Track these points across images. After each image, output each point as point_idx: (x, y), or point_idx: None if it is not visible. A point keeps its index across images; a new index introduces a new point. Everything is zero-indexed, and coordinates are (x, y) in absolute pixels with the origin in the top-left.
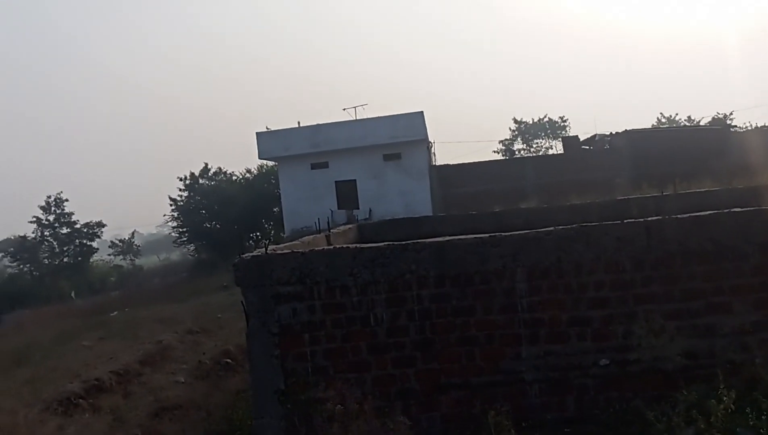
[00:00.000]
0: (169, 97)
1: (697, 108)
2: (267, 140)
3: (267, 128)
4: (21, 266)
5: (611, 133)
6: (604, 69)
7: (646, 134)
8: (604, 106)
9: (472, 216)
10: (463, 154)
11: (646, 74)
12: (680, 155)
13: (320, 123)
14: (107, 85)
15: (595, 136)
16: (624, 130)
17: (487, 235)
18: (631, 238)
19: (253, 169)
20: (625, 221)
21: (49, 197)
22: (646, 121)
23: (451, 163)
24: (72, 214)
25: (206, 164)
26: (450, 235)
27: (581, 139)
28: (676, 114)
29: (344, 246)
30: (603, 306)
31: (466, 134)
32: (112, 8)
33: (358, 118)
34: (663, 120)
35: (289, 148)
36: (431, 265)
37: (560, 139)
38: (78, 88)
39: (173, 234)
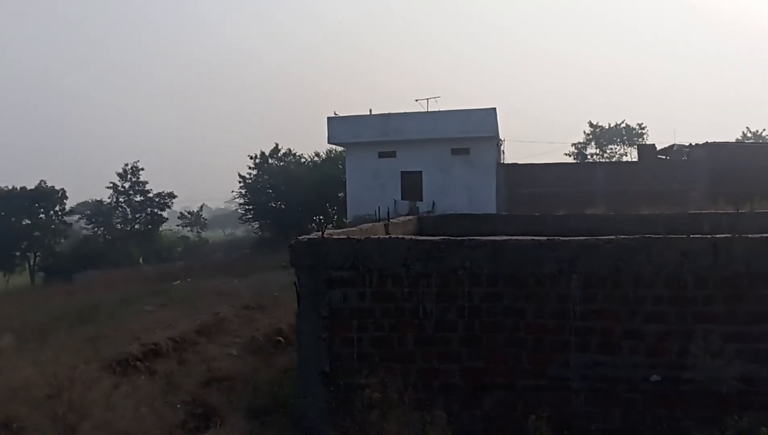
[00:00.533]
0: (244, 79)
1: None
2: (337, 125)
3: (335, 113)
4: (95, 229)
5: (691, 144)
6: (690, 78)
7: (728, 148)
8: (686, 116)
9: (535, 217)
10: (533, 154)
11: (734, 88)
12: (762, 173)
13: (391, 112)
14: (189, 66)
15: (673, 145)
16: (705, 142)
17: (545, 238)
18: (696, 254)
19: (321, 153)
20: (691, 236)
21: (127, 165)
22: (731, 135)
23: (520, 162)
24: (146, 183)
25: (277, 145)
26: (510, 235)
27: (658, 149)
28: (764, 129)
29: (400, 236)
30: (660, 321)
31: (538, 134)
32: None
33: (429, 110)
34: (749, 135)
35: (358, 135)
36: (486, 263)
37: (636, 146)
38: (164, 67)
39: (240, 210)
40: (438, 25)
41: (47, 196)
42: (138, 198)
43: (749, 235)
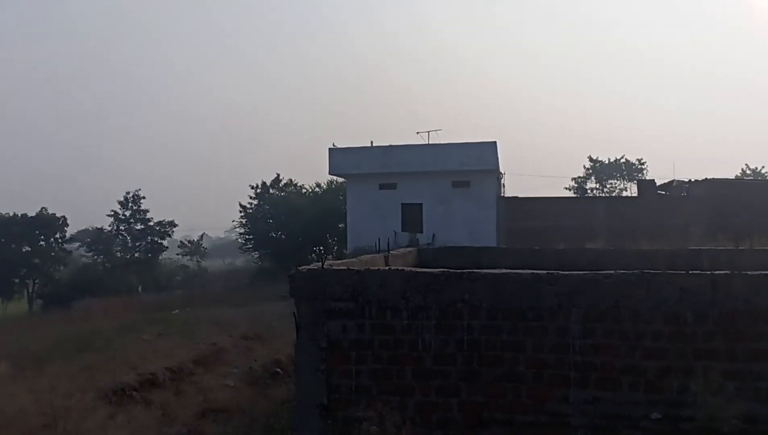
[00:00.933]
0: (246, 109)
1: None
2: (338, 156)
3: (333, 145)
4: (95, 257)
5: (690, 180)
6: (690, 115)
7: (728, 184)
8: (685, 153)
9: (535, 251)
10: (533, 187)
11: (734, 124)
12: (762, 209)
13: (393, 144)
14: (190, 92)
15: (672, 181)
16: (704, 178)
17: (544, 271)
18: (696, 291)
19: (322, 184)
20: (691, 272)
21: (128, 193)
22: (730, 172)
23: (520, 195)
24: (147, 211)
25: (278, 175)
26: (510, 269)
27: (657, 184)
28: (762, 166)
29: (399, 268)
30: (659, 357)
31: (539, 168)
32: (200, 16)
33: (430, 142)
34: (748, 172)
35: (359, 166)
36: (485, 296)
37: (635, 181)
38: (164, 92)
39: (240, 240)
40: (441, 59)
41: (48, 224)
42: (138, 226)
43: (748, 272)
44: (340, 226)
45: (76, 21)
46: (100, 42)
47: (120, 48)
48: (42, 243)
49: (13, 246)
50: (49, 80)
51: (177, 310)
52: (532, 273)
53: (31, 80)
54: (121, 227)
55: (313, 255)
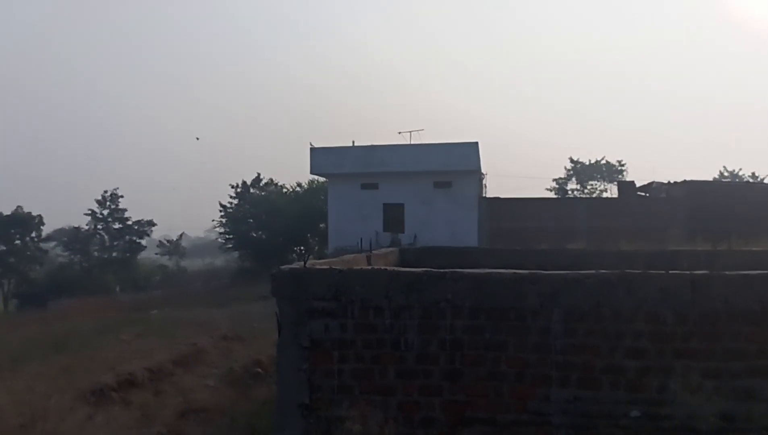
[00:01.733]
0: (226, 108)
1: (763, 164)
2: (320, 156)
3: (310, 145)
4: (72, 256)
5: (669, 181)
6: (669, 118)
7: (706, 186)
8: (664, 154)
9: (517, 252)
10: (514, 188)
11: (711, 126)
12: (739, 211)
13: (375, 144)
14: (169, 91)
15: (652, 183)
16: (683, 180)
17: (526, 271)
18: (675, 291)
19: (303, 184)
20: (670, 272)
21: (106, 192)
22: (708, 174)
23: (502, 196)
24: (125, 210)
25: (258, 174)
26: (491, 269)
27: (638, 186)
28: (740, 169)
29: (382, 268)
30: (639, 356)
31: (520, 169)
32: (179, 16)
33: (413, 142)
34: (726, 174)
35: (341, 166)
36: (467, 295)
37: (616, 182)
38: (144, 91)
39: (220, 239)
40: (422, 59)
41: (24, 222)
42: (116, 225)
43: (727, 272)
44: (321, 225)
45: (55, 15)
46: (77, 38)
47: (99, 46)
48: (17, 242)
49: None
50: (26, 77)
51: (156, 311)
52: (514, 272)
53: (5, 78)
54: (98, 226)
55: (294, 255)
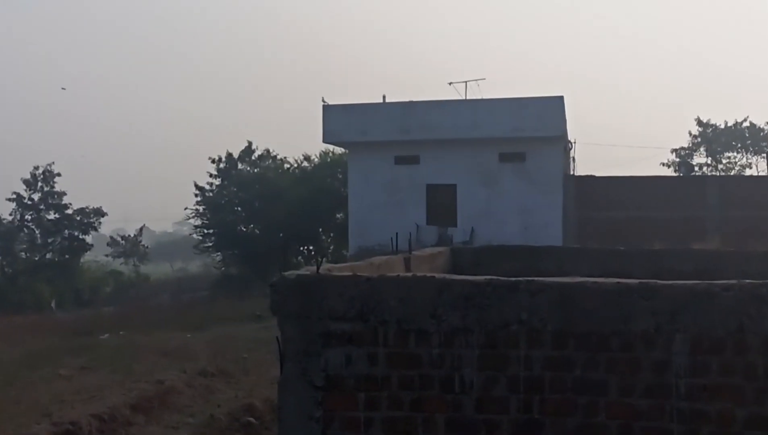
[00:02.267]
0: (205, 56)
1: None
2: (337, 117)
3: (323, 101)
4: None
5: None
6: None
7: None
8: None
9: (619, 252)
10: (615, 163)
11: None
12: None
13: (414, 100)
14: (127, 35)
15: None
16: None
17: (635, 281)
18: None
19: (313, 157)
20: None
21: (37, 168)
22: None
23: (596, 174)
24: (64, 194)
25: (250, 144)
26: (583, 276)
27: None
28: None
29: (428, 275)
30: None
31: (623, 136)
32: None
33: (468, 97)
34: None
35: (366, 132)
36: (550, 315)
37: (764, 155)
38: (94, 38)
39: (195, 235)
40: None
41: None
42: (52, 215)
43: None
44: (338, 215)
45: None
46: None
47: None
48: None
49: None
50: None
51: (107, 335)
52: (618, 282)
53: None
54: (26, 217)
55: (301, 257)
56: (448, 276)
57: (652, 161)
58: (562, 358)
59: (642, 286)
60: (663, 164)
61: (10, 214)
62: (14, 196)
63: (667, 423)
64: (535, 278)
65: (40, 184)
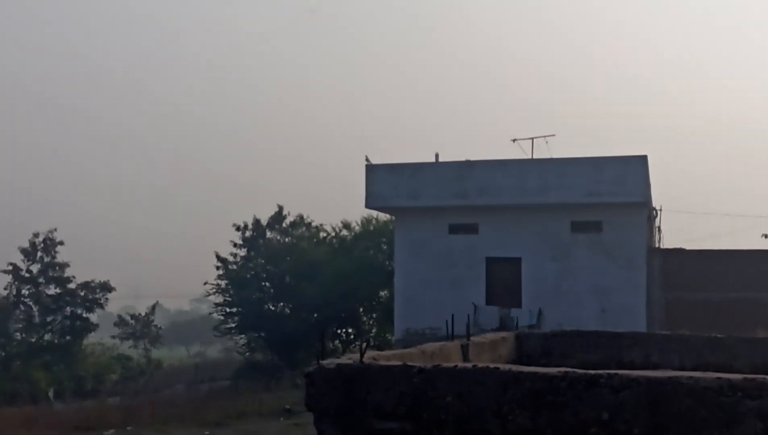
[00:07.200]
0: (230, 106)
1: None
2: (383, 178)
3: (367, 160)
4: None
5: None
6: None
7: None
8: None
9: (716, 341)
10: (709, 234)
11: None
12: None
13: (471, 159)
14: (141, 86)
15: None
16: None
17: (740, 376)
18: None
19: (354, 224)
20: None
21: (36, 236)
22: None
23: (686, 247)
24: (67, 265)
25: (280, 208)
26: (675, 369)
27: None
28: None
29: (491, 366)
30: None
31: (718, 203)
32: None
33: (535, 157)
34: None
35: (417, 196)
36: (639, 415)
37: None
38: (102, 95)
39: (215, 315)
40: (550, 22)
41: None
42: (52, 290)
43: None
44: (382, 293)
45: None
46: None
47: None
48: None
49: None
50: None
51: (112, 430)
52: (718, 377)
53: None
54: (23, 292)
55: (338, 342)
56: (514, 367)
57: (751, 232)
58: None
59: (748, 382)
60: (765, 236)
61: (5, 289)
62: (10, 267)
63: None
64: (618, 371)
65: (39, 253)
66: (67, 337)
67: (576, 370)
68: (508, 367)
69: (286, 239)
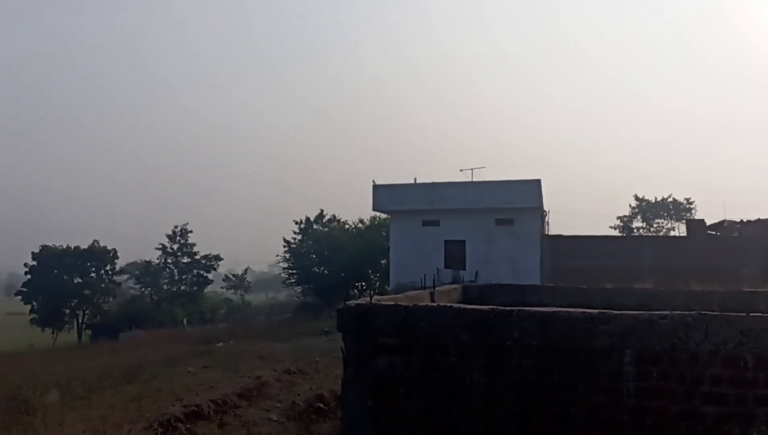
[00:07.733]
0: (291, 147)
1: None
2: (383, 193)
3: (373, 182)
4: (143, 289)
5: (742, 220)
6: (740, 154)
7: None
8: (736, 192)
9: (582, 290)
10: (577, 226)
11: None
12: None
13: (437, 181)
14: (241, 133)
15: (723, 221)
16: (757, 218)
17: (596, 310)
18: (757, 334)
19: (365, 220)
20: (751, 314)
21: (176, 227)
22: None
23: (564, 234)
24: (194, 245)
25: (322, 211)
26: (557, 307)
27: (708, 224)
28: None
29: (448, 304)
30: (719, 403)
31: (583, 206)
32: (255, 48)
33: (474, 180)
34: None
35: (403, 203)
36: (535, 335)
37: (684, 221)
38: (214, 137)
39: (283, 274)
40: (484, 97)
41: (99, 256)
42: (185, 260)
43: None
44: (382, 262)
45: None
46: (170, 75)
47: (187, 82)
48: (93, 275)
49: (65, 277)
50: (105, 116)
51: (221, 343)
52: (584, 312)
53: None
54: (168, 260)
55: (355, 290)
56: (461, 305)
57: (603, 225)
58: (543, 366)
59: (601, 314)
60: (611, 227)
61: (157, 259)
62: (161, 246)
63: (621, 414)
64: (523, 308)
65: (178, 238)
66: (194, 288)
67: (498, 307)
68: (458, 305)
69: (325, 229)
